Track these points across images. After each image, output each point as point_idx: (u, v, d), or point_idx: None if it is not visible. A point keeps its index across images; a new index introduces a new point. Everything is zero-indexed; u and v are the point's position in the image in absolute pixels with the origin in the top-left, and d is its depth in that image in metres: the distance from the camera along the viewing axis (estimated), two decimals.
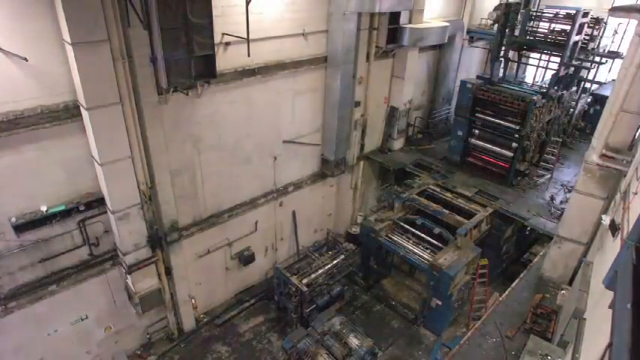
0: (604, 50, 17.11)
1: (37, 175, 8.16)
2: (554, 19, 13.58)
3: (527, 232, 13.74)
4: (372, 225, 12.96)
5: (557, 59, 13.43)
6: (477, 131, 14.47)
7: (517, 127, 13.33)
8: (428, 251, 12.31)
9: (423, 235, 12.75)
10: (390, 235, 12.99)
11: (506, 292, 10.61)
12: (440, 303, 12.07)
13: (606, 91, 17.37)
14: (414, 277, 14.56)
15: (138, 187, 9.25)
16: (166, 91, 9.17)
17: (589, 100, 18.18)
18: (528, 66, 18.40)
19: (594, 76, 18.06)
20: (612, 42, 21.83)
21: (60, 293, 9.28)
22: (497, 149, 14.11)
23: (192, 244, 11.38)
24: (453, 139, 15.17)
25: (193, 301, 11.93)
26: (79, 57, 7.34)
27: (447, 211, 12.93)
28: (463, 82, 14.38)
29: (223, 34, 9.58)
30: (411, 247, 12.49)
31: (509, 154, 13.77)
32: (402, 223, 13.16)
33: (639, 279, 3.92)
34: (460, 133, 14.68)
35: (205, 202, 11.32)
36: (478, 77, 14.82)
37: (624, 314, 3.56)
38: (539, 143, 14.54)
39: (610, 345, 3.80)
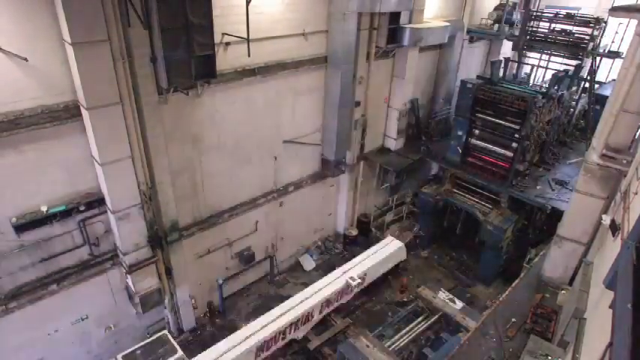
0: (604, 50, 17.10)
1: (38, 175, 8.15)
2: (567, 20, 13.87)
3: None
4: (432, 191, 15.03)
5: (559, 59, 13.52)
6: (477, 131, 14.42)
7: (517, 127, 13.28)
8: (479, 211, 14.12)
9: (474, 197, 14.76)
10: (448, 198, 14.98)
11: (506, 292, 10.61)
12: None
13: (606, 91, 17.35)
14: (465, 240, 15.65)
15: (138, 187, 9.25)
16: (166, 91, 9.17)
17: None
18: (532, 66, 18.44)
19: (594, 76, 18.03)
20: (612, 42, 21.81)
21: (60, 293, 9.28)
22: (498, 149, 14.04)
23: (192, 244, 11.39)
24: (452, 139, 15.13)
25: (193, 301, 11.93)
26: (79, 57, 7.34)
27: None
28: (463, 82, 14.35)
29: (223, 34, 9.58)
30: (470, 202, 14.71)
31: (510, 154, 13.70)
32: (455, 190, 15.27)
33: (639, 279, 3.93)
34: (460, 133, 14.63)
35: (205, 202, 11.32)
36: (478, 77, 14.80)
37: (624, 314, 3.56)
38: (540, 143, 14.52)
39: (610, 345, 3.80)
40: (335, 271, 10.32)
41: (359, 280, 9.86)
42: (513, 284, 10.92)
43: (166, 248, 10.52)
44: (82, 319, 10.01)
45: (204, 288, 12.36)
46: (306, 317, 9.02)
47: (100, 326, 10.47)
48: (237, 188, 11.99)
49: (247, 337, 8.77)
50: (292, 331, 8.93)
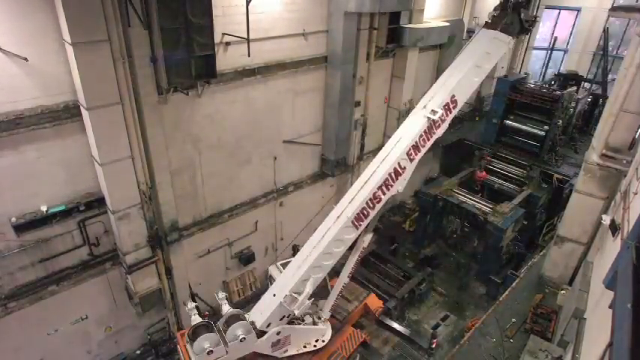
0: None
1: (38, 175, 8.15)
2: None
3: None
4: (432, 191, 15.05)
5: None
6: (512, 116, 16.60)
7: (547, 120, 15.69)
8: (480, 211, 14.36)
9: (475, 198, 15.05)
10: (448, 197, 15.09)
11: (506, 292, 10.62)
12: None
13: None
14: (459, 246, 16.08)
15: (138, 187, 9.24)
16: (166, 91, 9.16)
17: (589, 99, 18.20)
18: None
19: (594, 76, 18.10)
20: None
21: (60, 293, 9.27)
22: (530, 129, 16.23)
23: (192, 244, 11.38)
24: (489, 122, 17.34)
25: None
26: (79, 57, 7.33)
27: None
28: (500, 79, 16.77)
29: (223, 34, 9.57)
30: (470, 202, 14.75)
31: (541, 133, 15.81)
32: (456, 191, 15.37)
33: (639, 279, 3.93)
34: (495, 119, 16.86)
35: (205, 202, 11.31)
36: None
37: (624, 314, 3.56)
38: (563, 128, 16.49)
39: (610, 345, 3.80)
40: (413, 110, 8.07)
41: (441, 112, 7.50)
42: (513, 284, 10.94)
43: (166, 248, 10.52)
44: (82, 319, 10.00)
45: (204, 288, 12.35)
46: (396, 171, 7.72)
47: (100, 326, 10.46)
48: (237, 188, 11.98)
49: (341, 212, 7.89)
50: (387, 190, 7.74)
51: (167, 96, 9.31)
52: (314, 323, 9.31)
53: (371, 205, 7.90)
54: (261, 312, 8.48)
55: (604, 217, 8.15)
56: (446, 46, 16.13)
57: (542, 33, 22.39)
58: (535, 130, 16.01)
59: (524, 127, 16.34)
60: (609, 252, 6.78)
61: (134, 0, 7.69)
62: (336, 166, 13.90)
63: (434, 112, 7.62)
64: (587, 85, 18.26)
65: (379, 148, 15.80)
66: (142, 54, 8.32)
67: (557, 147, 16.28)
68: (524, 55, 21.16)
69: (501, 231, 13.14)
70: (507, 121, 16.66)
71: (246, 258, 12.98)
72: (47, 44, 7.39)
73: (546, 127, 15.64)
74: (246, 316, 8.40)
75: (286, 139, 12.59)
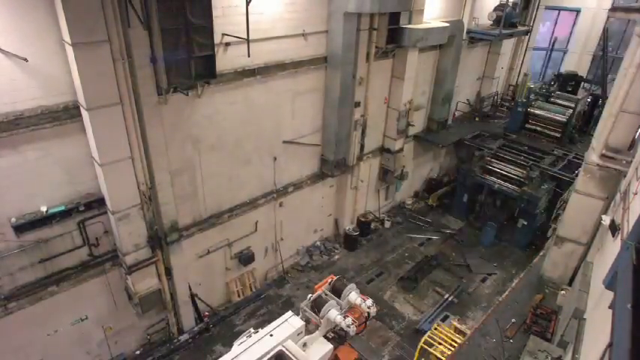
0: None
1: (37, 175, 8.15)
2: None
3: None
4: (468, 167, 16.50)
5: None
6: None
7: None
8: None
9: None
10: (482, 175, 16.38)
11: (506, 292, 10.62)
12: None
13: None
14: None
15: (138, 187, 9.24)
16: (166, 91, 9.15)
17: (589, 100, 18.22)
18: None
19: (594, 76, 18.12)
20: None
21: (60, 294, 9.26)
22: (553, 116, 17.40)
23: (192, 245, 11.38)
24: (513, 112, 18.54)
25: None
26: (79, 57, 7.33)
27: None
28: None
29: (223, 34, 9.57)
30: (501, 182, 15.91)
31: (563, 119, 17.04)
32: (489, 166, 16.46)
33: (639, 279, 3.93)
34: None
35: (205, 203, 11.31)
36: None
37: (624, 314, 3.56)
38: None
39: (610, 345, 3.80)
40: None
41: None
42: (513, 284, 10.93)
43: (166, 249, 10.52)
44: (82, 320, 10.00)
45: (204, 288, 12.35)
46: None
47: (100, 326, 10.45)
48: (237, 188, 11.98)
49: None
50: None
51: (167, 96, 9.31)
52: None
53: None
54: None
55: (604, 217, 8.16)
56: (446, 46, 16.15)
57: (542, 33, 22.41)
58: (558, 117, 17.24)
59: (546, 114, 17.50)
60: (609, 252, 6.78)
61: (134, 0, 7.69)
62: (336, 166, 13.90)
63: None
64: (586, 85, 18.30)
65: (379, 148, 16.03)
66: (141, 54, 8.31)
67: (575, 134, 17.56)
68: (524, 55, 21.17)
69: (537, 198, 14.74)
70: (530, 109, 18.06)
71: (246, 258, 12.97)
72: (47, 44, 7.39)
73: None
74: None
75: (286, 140, 12.59)
